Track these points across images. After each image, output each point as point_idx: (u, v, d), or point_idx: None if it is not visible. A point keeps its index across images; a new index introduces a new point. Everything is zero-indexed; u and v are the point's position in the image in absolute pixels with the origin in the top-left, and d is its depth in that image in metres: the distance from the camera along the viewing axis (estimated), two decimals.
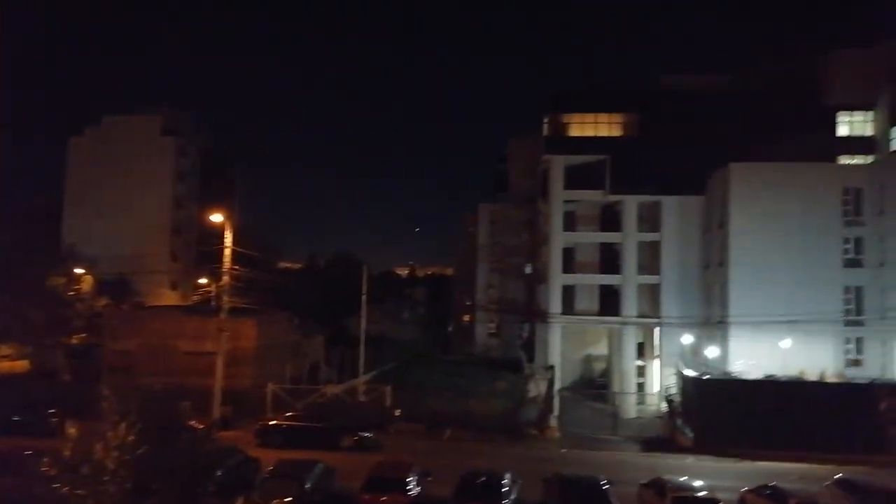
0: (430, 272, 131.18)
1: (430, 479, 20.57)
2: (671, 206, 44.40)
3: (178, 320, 37.50)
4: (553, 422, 34.56)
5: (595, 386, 48.24)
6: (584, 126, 46.15)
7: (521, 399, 37.35)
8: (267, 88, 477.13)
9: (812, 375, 35.36)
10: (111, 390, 13.10)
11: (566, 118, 46.46)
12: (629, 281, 44.75)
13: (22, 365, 43.52)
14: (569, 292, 46.40)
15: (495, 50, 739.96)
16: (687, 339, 41.58)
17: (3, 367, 42.33)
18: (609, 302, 46.25)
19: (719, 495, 20.67)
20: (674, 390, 37.76)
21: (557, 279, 45.46)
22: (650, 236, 44.93)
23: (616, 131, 45.73)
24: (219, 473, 18.57)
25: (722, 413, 30.43)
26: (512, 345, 59.46)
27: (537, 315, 49.71)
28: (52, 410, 28.24)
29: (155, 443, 13.13)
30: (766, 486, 21.10)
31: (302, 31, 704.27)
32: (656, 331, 45.28)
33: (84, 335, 47.01)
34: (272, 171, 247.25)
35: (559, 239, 45.92)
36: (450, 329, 75.32)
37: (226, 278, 30.23)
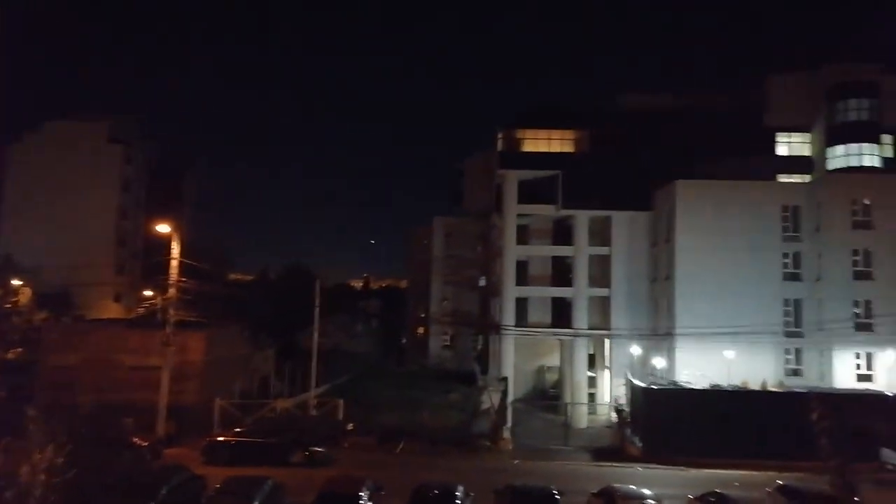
0: (384, 284, 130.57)
1: (382, 493, 20.35)
2: (621, 221, 45.43)
3: (122, 334, 36.17)
4: (506, 433, 34.60)
5: (547, 397, 48.79)
6: (537, 142, 46.82)
7: (475, 411, 37.46)
8: (219, 98, 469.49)
9: (754, 385, 36.46)
10: (46, 408, 12.59)
11: (520, 134, 47.10)
12: (580, 294, 45.49)
13: None
14: (522, 305, 46.92)
15: (455, 68, 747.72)
16: (636, 350, 42.45)
17: None
18: (561, 314, 47.02)
19: (666, 503, 21.13)
20: (623, 401, 38.47)
21: (511, 292, 45.88)
22: (601, 250, 45.82)
23: (568, 147, 46.49)
24: (163, 492, 18.02)
25: (669, 422, 31.06)
26: (466, 357, 59.72)
27: (491, 327, 50.07)
28: None
29: (87, 464, 12.61)
30: (711, 493, 21.68)
31: (258, 42, 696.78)
32: (607, 342, 46.09)
33: (20, 350, 45.00)
34: (223, 182, 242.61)
35: (513, 252, 46.42)
36: (404, 341, 75.04)
37: (172, 290, 29.49)
